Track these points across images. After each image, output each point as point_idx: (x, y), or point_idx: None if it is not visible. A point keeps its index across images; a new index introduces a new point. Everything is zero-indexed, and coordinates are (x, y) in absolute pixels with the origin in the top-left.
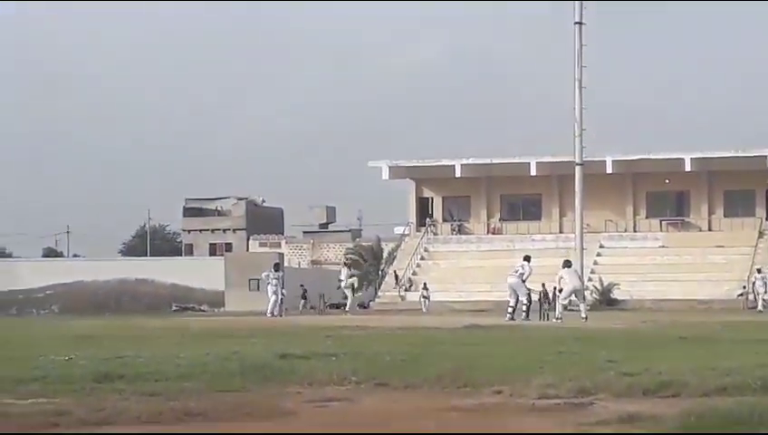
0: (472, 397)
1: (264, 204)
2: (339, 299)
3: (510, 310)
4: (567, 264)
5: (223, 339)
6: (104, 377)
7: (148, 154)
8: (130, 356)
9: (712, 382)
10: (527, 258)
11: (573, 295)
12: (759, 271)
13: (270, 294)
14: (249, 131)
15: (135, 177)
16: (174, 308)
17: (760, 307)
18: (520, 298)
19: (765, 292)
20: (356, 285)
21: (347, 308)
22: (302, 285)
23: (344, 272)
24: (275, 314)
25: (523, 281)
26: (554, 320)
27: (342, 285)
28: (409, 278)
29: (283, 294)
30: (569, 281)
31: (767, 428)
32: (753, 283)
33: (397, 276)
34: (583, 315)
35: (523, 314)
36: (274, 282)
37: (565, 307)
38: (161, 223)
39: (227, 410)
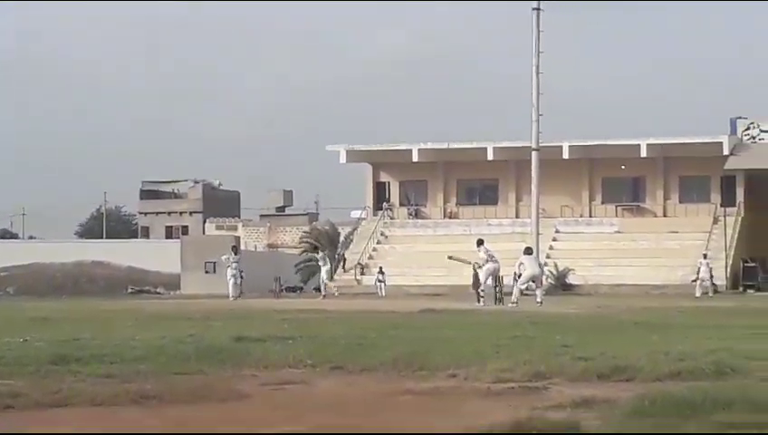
0: (427, 380)
1: (221, 187)
2: (295, 283)
3: (482, 294)
4: (528, 251)
5: (179, 322)
6: (60, 359)
7: (105, 136)
8: (86, 338)
9: (665, 367)
10: (480, 242)
11: (531, 281)
12: (705, 256)
13: (229, 277)
14: (206, 115)
15: (91, 159)
16: (130, 290)
17: (710, 293)
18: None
19: (710, 277)
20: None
21: (323, 292)
22: (278, 278)
23: (320, 257)
24: (237, 296)
25: (482, 265)
26: (510, 305)
27: (323, 272)
28: (359, 262)
29: (242, 277)
30: (528, 267)
31: (720, 412)
32: (699, 268)
33: (344, 260)
34: (538, 300)
35: (482, 301)
36: (234, 265)
37: (522, 292)
38: (117, 205)
39: (183, 392)
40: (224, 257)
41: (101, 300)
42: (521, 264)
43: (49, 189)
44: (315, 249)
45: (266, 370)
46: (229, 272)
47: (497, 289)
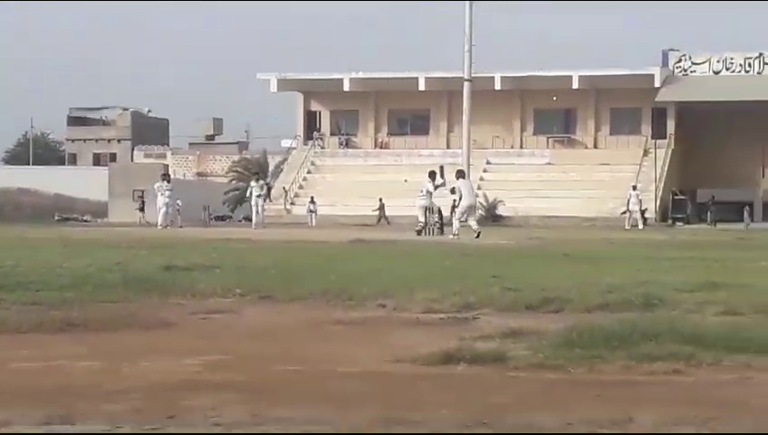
0: (356, 310)
1: (150, 114)
2: (224, 212)
3: (421, 226)
4: (460, 174)
5: (106, 250)
6: None
7: (32, 62)
8: (11, 266)
9: (594, 299)
10: (432, 174)
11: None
12: (634, 188)
13: (161, 205)
14: (136, 41)
15: (18, 85)
16: (57, 218)
17: (639, 226)
18: (419, 216)
19: (639, 210)
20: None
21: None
22: (140, 197)
23: (254, 185)
24: (166, 225)
25: (431, 196)
26: (451, 237)
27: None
28: (285, 191)
29: (178, 204)
30: (465, 196)
31: (648, 344)
32: (628, 200)
33: (269, 189)
34: (475, 228)
35: (418, 229)
36: (167, 193)
37: (462, 223)
38: (44, 132)
39: (109, 320)
40: (156, 185)
41: (27, 227)
42: (458, 189)
43: None
44: (256, 175)
45: (194, 299)
46: (161, 200)
47: (439, 221)
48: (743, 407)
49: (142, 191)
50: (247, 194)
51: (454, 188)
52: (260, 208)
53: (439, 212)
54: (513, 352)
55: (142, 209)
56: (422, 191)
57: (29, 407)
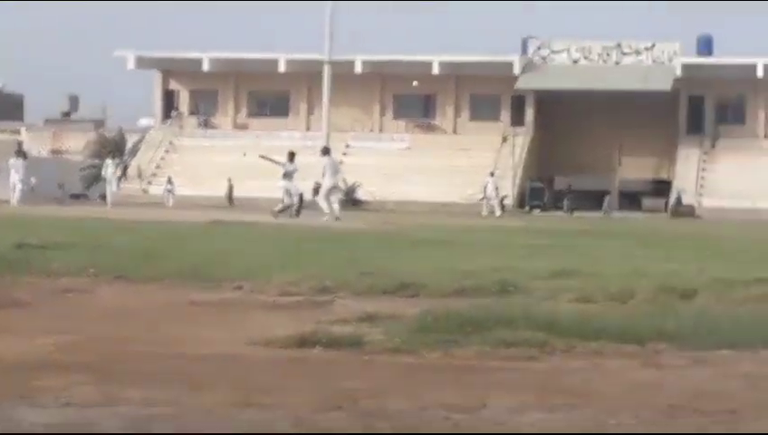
0: (212, 292)
1: (4, 89)
2: (79, 190)
3: (280, 207)
4: (326, 151)
5: None
6: None
7: None
8: None
9: (450, 284)
10: (291, 155)
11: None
12: (492, 174)
13: (16, 181)
14: None
15: None
16: None
17: (497, 212)
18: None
19: (497, 196)
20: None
21: (112, 202)
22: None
23: (110, 164)
24: (24, 202)
25: (290, 177)
26: (324, 219)
27: (108, 176)
28: (139, 170)
29: (32, 182)
30: (330, 175)
31: (502, 329)
32: (486, 186)
33: (126, 168)
34: (337, 214)
35: (277, 209)
36: (22, 170)
37: (330, 203)
38: None
39: None
40: (11, 161)
41: None
42: (330, 167)
43: None
44: (110, 154)
45: (47, 278)
46: (15, 177)
47: (298, 205)
48: (591, 394)
49: None
50: (103, 173)
51: (328, 167)
52: (115, 187)
53: (300, 196)
54: (369, 337)
55: None
56: (284, 172)
57: None
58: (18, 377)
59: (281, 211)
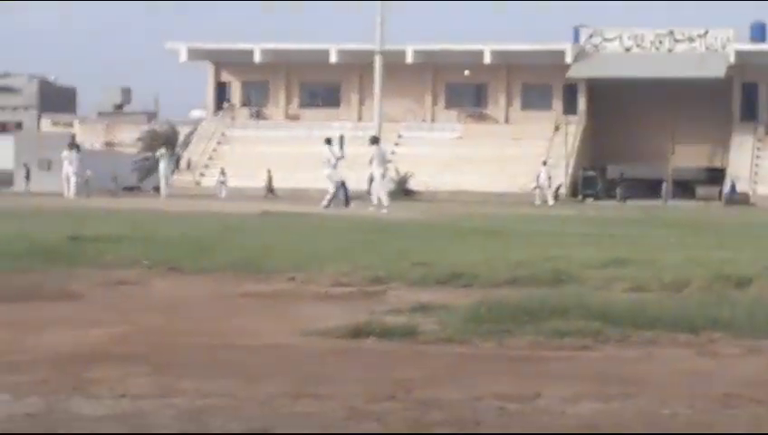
0: (265, 283)
1: (57, 82)
2: (132, 182)
3: (329, 198)
4: (375, 140)
5: (12, 219)
6: None
7: None
8: None
9: (503, 274)
10: (328, 141)
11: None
12: (544, 163)
13: (70, 174)
14: (43, 9)
15: None
16: None
17: (550, 202)
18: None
19: (550, 186)
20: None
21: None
22: (25, 165)
23: (164, 155)
24: (79, 194)
25: (334, 164)
26: (370, 209)
27: (161, 168)
28: (188, 161)
29: (87, 174)
30: (378, 164)
31: (555, 319)
32: (538, 175)
33: (178, 160)
34: (385, 205)
35: (325, 203)
36: (76, 163)
37: (388, 193)
38: None
39: (14, 291)
40: (64, 154)
41: None
42: (379, 159)
43: None
44: (163, 146)
45: (101, 270)
46: (69, 170)
47: (346, 193)
48: (646, 383)
49: (49, 161)
50: (159, 164)
51: (377, 158)
52: (168, 179)
53: (343, 184)
54: (423, 327)
55: (27, 178)
56: (328, 160)
57: None
58: (73, 369)
59: (329, 202)
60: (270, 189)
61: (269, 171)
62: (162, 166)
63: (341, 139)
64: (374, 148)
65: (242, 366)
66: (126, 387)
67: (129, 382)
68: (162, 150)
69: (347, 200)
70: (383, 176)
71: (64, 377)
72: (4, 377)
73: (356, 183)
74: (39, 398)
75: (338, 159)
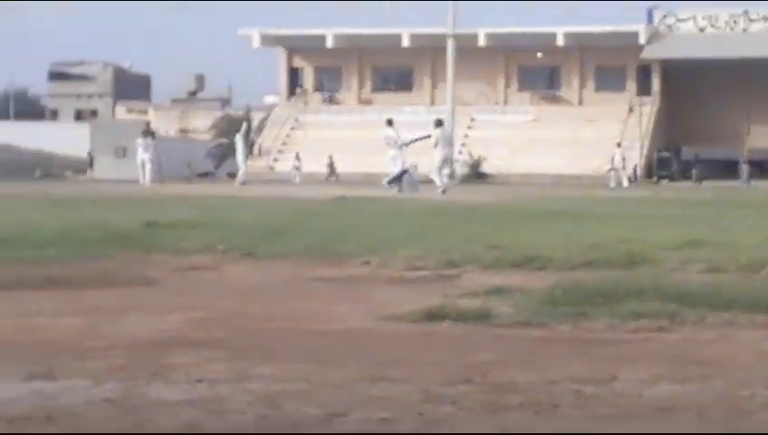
0: (340, 268)
1: (131, 70)
2: (206, 168)
3: (390, 179)
4: (439, 123)
5: (88, 206)
6: None
7: (13, 16)
8: None
9: (578, 256)
10: (389, 122)
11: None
12: (619, 145)
13: (146, 161)
14: None
15: None
16: (38, 174)
17: (624, 183)
18: (392, 168)
19: (624, 167)
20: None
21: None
22: (89, 153)
23: (239, 140)
24: (154, 181)
25: (400, 146)
26: (438, 192)
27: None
28: (259, 147)
29: (162, 161)
30: (441, 147)
31: (631, 301)
32: (613, 157)
33: (253, 145)
34: (444, 188)
35: (388, 182)
36: (151, 149)
37: (449, 176)
38: (25, 87)
39: (91, 277)
40: (138, 141)
41: (8, 184)
42: (435, 139)
43: None
44: (240, 131)
45: (176, 255)
46: (146, 156)
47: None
48: (723, 365)
49: (124, 148)
50: (236, 150)
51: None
52: (243, 165)
53: (406, 169)
54: (498, 310)
55: (91, 165)
56: (395, 142)
57: (10, 364)
58: (150, 354)
59: (392, 181)
60: (332, 173)
61: (330, 156)
62: (239, 151)
63: (390, 121)
64: (438, 130)
65: (317, 350)
66: (202, 372)
67: (205, 367)
68: (239, 136)
69: (415, 184)
70: (447, 159)
71: (141, 362)
72: (83, 363)
73: (428, 167)
74: (117, 383)
75: (403, 142)
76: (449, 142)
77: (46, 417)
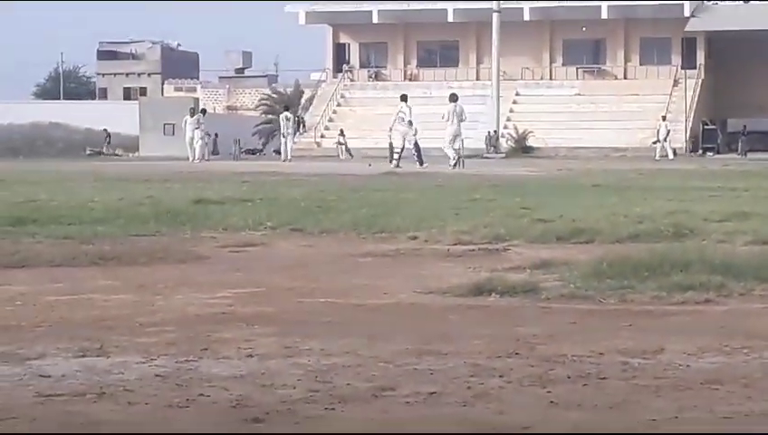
0: (388, 243)
1: (180, 48)
2: (254, 145)
3: (396, 156)
4: (453, 98)
5: (137, 184)
6: (17, 221)
7: None
8: (44, 200)
9: (624, 229)
10: (404, 98)
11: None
12: (664, 118)
13: (197, 139)
14: None
15: (48, 18)
16: (88, 152)
17: (670, 156)
18: (406, 145)
19: (668, 140)
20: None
21: (288, 156)
22: (105, 129)
23: (285, 117)
24: (205, 158)
25: (411, 123)
26: (449, 168)
27: (283, 130)
28: (303, 122)
29: (211, 138)
30: (453, 122)
31: (678, 274)
32: (659, 130)
33: (299, 122)
34: (454, 162)
35: (395, 160)
36: (203, 126)
37: (457, 152)
38: (75, 66)
39: (141, 254)
40: (192, 119)
41: (59, 162)
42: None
43: (5, 49)
44: (286, 109)
45: (225, 232)
46: (197, 133)
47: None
48: None
49: (173, 125)
50: (281, 128)
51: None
52: (291, 142)
53: (416, 144)
54: (544, 283)
55: (108, 142)
56: (403, 118)
57: (63, 340)
58: (200, 330)
59: (392, 157)
60: (344, 150)
61: (342, 131)
62: (284, 128)
63: (405, 96)
64: (452, 105)
65: (366, 325)
66: (252, 347)
67: (255, 343)
68: (286, 113)
69: (420, 160)
70: (458, 134)
71: (192, 338)
72: (134, 339)
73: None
74: (168, 359)
75: (410, 121)
76: (461, 118)
77: (99, 392)
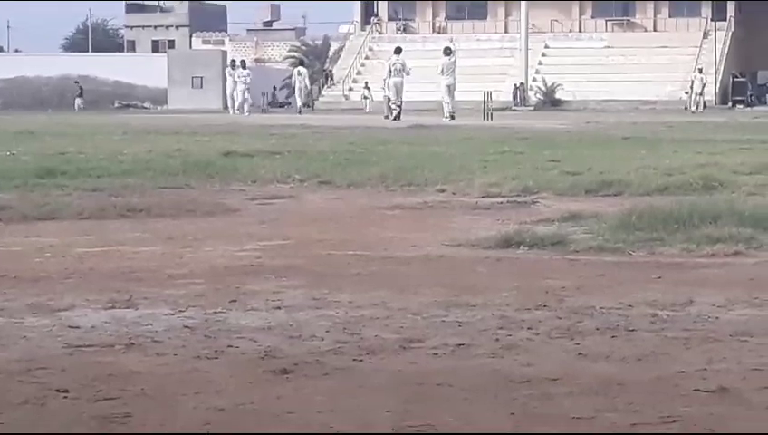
0: (415, 195)
1: (208, 1)
2: (282, 98)
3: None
4: (447, 51)
5: (166, 136)
6: (46, 173)
7: None
8: (73, 152)
9: (653, 182)
10: (398, 50)
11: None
12: (700, 71)
13: (238, 92)
14: None
15: None
16: (116, 105)
17: (700, 108)
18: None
19: (701, 93)
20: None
21: (304, 108)
22: (76, 82)
23: (299, 71)
24: (245, 111)
25: (407, 73)
26: (443, 119)
27: (296, 84)
28: (326, 74)
29: (248, 90)
30: (446, 75)
31: (707, 226)
32: (692, 83)
33: (327, 75)
34: (446, 115)
35: (393, 112)
36: (244, 79)
37: (450, 105)
38: (104, 19)
39: (170, 206)
40: (228, 71)
41: (88, 114)
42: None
43: (34, 3)
44: (301, 64)
45: (254, 184)
46: (240, 86)
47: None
48: None
49: (201, 78)
50: (292, 82)
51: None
52: (303, 95)
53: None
54: (573, 236)
55: (80, 96)
56: (400, 70)
57: (92, 291)
58: (229, 282)
59: (391, 111)
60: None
61: (366, 83)
62: (299, 82)
63: (399, 49)
64: (446, 58)
65: (394, 277)
66: (281, 299)
67: (283, 295)
68: (300, 68)
69: (392, 113)
70: (450, 86)
71: (221, 290)
72: (163, 290)
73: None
74: (197, 310)
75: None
76: (454, 70)
77: (128, 343)
